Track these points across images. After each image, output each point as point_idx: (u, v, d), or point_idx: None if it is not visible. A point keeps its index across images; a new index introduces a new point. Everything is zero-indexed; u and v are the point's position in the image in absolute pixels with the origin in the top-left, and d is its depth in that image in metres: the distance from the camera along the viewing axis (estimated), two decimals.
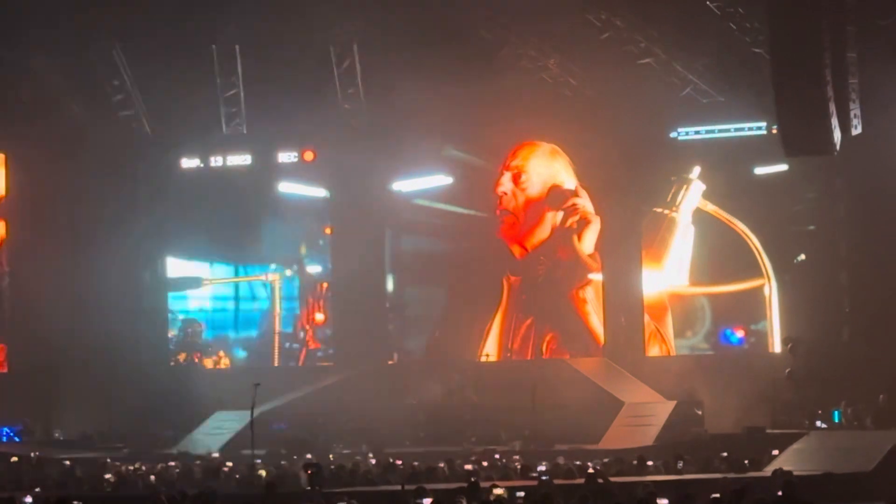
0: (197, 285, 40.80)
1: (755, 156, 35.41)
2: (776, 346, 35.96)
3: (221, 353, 40.58)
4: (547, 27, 35.42)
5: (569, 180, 38.07)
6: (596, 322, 37.60)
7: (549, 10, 34.69)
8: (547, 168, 38.37)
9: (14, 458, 31.38)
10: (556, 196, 38.08)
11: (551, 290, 38.00)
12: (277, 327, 40.36)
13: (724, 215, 36.61)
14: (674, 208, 37.13)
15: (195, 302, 41.05)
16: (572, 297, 37.80)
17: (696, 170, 36.82)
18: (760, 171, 35.60)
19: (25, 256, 38.73)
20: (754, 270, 36.37)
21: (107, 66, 38.17)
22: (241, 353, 40.71)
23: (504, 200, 38.43)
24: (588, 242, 37.60)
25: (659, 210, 37.24)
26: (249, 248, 40.03)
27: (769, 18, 29.20)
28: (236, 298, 41.06)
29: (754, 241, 36.33)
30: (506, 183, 38.42)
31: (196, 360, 40.40)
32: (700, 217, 36.91)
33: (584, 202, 37.79)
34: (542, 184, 38.34)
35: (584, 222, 37.62)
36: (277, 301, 40.40)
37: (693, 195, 36.91)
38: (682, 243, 37.10)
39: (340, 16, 36.70)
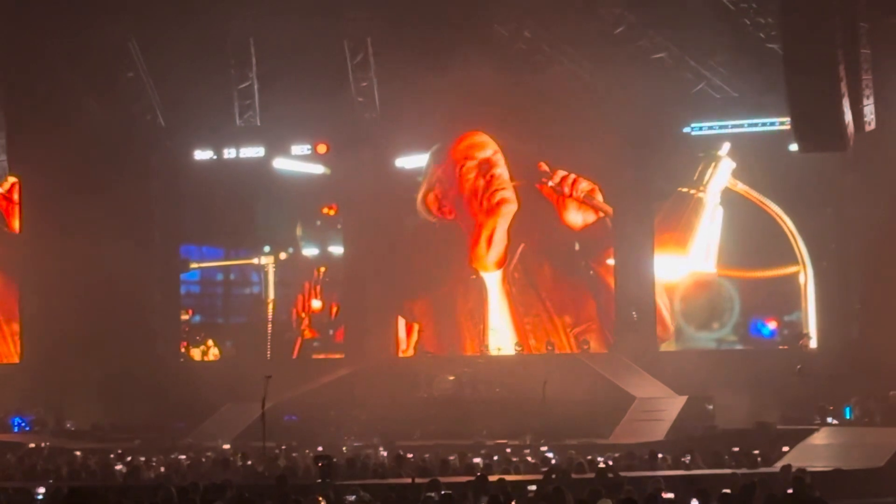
0: (185, 269, 40.36)
1: (790, 133, 31.19)
2: (812, 342, 34.44)
3: (210, 343, 40.33)
4: (560, 21, 35.42)
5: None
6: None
7: (563, 4, 34.79)
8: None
9: (31, 445, 31.52)
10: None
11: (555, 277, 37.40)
12: (270, 315, 39.53)
13: (755, 196, 35.00)
14: (701, 188, 35.52)
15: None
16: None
17: (726, 146, 35.29)
18: (796, 147, 31.58)
19: (39, 248, 38.79)
20: (788, 257, 34.71)
21: (121, 59, 38.27)
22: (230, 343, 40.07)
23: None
24: (573, 217, 36.76)
25: (684, 190, 35.75)
26: (241, 229, 39.68)
27: (782, 14, 29.17)
28: (225, 283, 40.55)
29: (788, 225, 34.74)
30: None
31: (182, 350, 40.22)
32: (729, 197, 35.33)
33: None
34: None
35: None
36: (270, 287, 39.66)
37: (722, 174, 35.27)
38: (710, 226, 35.44)
39: (354, 9, 36.79)
